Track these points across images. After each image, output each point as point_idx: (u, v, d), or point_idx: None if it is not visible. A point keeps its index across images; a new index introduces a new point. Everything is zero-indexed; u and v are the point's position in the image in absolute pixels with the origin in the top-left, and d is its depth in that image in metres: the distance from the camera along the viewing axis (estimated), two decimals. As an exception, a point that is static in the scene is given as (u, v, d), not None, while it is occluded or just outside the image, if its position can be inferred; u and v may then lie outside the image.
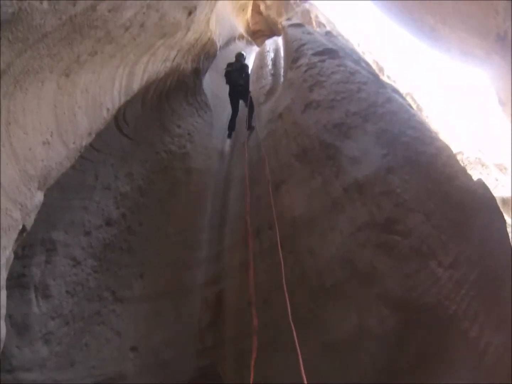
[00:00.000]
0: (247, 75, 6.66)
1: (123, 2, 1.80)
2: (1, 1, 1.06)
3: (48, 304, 2.88)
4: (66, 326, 2.91)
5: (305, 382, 1.67)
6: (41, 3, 1.28)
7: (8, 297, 2.59)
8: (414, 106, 12.32)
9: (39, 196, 2.20)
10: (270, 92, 6.92)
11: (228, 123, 6.60)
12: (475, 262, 2.60)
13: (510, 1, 4.59)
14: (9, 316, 2.63)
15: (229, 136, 6.52)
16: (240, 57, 6.91)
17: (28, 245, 2.94)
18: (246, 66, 6.76)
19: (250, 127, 6.01)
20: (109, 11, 1.77)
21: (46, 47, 1.67)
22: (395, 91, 5.78)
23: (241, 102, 6.79)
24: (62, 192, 3.29)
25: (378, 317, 2.46)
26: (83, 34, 1.82)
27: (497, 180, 11.12)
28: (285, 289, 2.71)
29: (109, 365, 2.93)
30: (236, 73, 6.46)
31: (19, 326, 2.66)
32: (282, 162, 4.40)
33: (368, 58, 13.74)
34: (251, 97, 6.60)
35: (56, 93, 2.17)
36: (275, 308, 3.00)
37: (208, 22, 4.87)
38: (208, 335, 3.31)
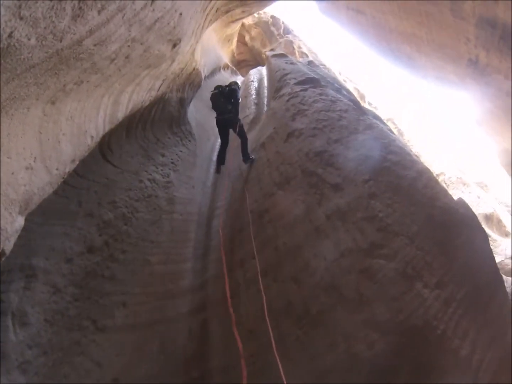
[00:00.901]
0: (237, 101, 5.99)
1: (108, 37, 1.88)
2: None
3: (26, 332, 2.75)
4: (44, 356, 2.78)
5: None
6: (29, 39, 1.35)
7: None
8: (395, 131, 12.83)
9: (20, 221, 2.19)
10: (254, 121, 7.14)
11: (217, 155, 6.11)
12: (461, 280, 2.67)
13: (480, 26, 4.96)
14: None
15: (217, 171, 5.96)
16: (232, 84, 6.31)
17: (7, 270, 2.85)
18: (235, 91, 6.02)
19: (248, 159, 5.54)
20: (95, 45, 1.85)
21: (33, 76, 1.73)
22: (376, 117, 6.06)
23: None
24: (44, 217, 3.25)
25: (366, 342, 2.47)
26: (70, 65, 1.89)
27: (479, 197, 11.54)
28: (268, 321, 2.71)
29: (88, 400, 2.80)
30: (223, 98, 5.81)
31: None
32: (265, 191, 4.49)
33: (350, 85, 14.39)
34: (241, 125, 5.96)
35: (42, 119, 2.21)
36: (261, 337, 2.99)
37: (193, 53, 5.07)
38: (193, 366, 3.21)
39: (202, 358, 3.25)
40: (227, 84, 6.32)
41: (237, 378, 2.98)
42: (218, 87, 6.04)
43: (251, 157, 5.55)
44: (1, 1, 1.03)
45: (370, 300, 2.63)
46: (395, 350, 2.35)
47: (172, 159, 5.62)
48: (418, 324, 2.39)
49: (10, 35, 1.24)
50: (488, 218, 10.44)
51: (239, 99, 6.09)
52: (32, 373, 2.66)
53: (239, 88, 6.26)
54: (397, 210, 3.13)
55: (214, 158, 7.03)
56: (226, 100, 5.81)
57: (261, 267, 3.56)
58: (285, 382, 2.01)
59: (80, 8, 1.45)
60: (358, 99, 9.92)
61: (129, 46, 2.25)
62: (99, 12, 1.57)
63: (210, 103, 6.13)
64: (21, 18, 1.22)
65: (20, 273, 2.94)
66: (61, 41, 1.53)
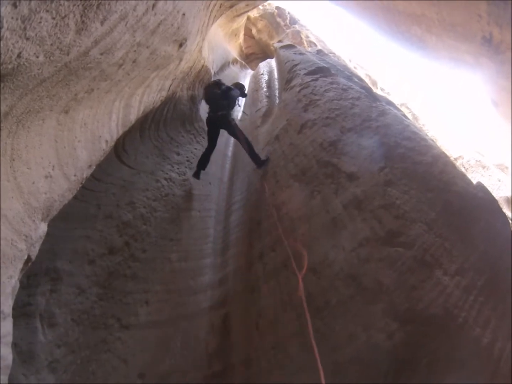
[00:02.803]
0: (233, 101, 5.30)
1: (113, 45, 1.92)
2: (1, 59, 1.17)
3: (54, 332, 2.89)
4: (72, 354, 2.91)
5: None
6: (37, 57, 1.40)
7: (13, 326, 2.64)
8: (409, 116, 12.52)
9: (43, 227, 2.28)
10: (267, 114, 7.08)
11: (199, 159, 5.27)
12: (482, 267, 2.58)
13: (492, 2, 4.75)
14: (15, 345, 2.64)
15: (197, 175, 5.15)
16: (238, 85, 5.73)
17: (33, 274, 2.99)
18: (232, 90, 5.35)
19: (260, 163, 5.08)
20: (101, 54, 1.89)
21: (45, 89, 1.79)
22: (389, 103, 5.91)
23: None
24: (65, 222, 3.37)
25: (386, 332, 2.44)
26: (79, 75, 1.94)
27: (499, 180, 11.10)
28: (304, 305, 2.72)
29: (116, 394, 2.91)
30: (219, 91, 5.17)
31: (24, 354, 2.67)
32: (282, 184, 4.47)
33: (361, 72, 14.08)
34: (236, 125, 5.40)
35: (56, 129, 2.29)
36: (283, 329, 3.01)
37: (200, 50, 5.08)
38: (216, 360, 3.28)
39: (224, 352, 3.31)
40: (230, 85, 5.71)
41: (259, 371, 3.03)
42: (215, 80, 5.50)
43: (263, 159, 5.10)
44: (5, 25, 1.06)
45: (389, 289, 2.60)
46: (415, 339, 2.32)
47: (187, 157, 5.69)
48: (438, 313, 2.34)
49: (19, 56, 1.29)
50: (510, 201, 10.08)
51: (235, 100, 5.42)
52: (61, 371, 2.79)
53: (244, 89, 5.79)
54: (414, 196, 3.06)
55: (229, 153, 6.97)
56: (222, 94, 5.16)
57: (280, 260, 3.58)
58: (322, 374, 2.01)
59: (83, 22, 1.48)
60: (370, 85, 9.72)
61: (135, 50, 2.28)
62: (102, 23, 1.60)
63: None
64: (27, 39, 1.26)
65: (45, 276, 3.08)
66: (68, 55, 1.57)
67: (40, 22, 1.26)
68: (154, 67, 3.06)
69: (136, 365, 3.11)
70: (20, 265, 2.05)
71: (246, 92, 5.90)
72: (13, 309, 2.71)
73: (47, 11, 1.26)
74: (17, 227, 2.01)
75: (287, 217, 3.95)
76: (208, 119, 5.18)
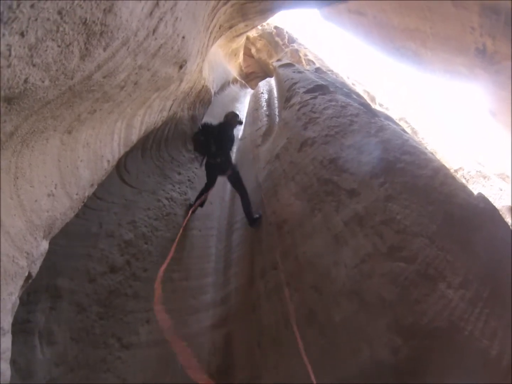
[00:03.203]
0: (228, 140, 4.79)
1: (116, 68, 2.00)
2: (8, 85, 1.24)
3: (53, 350, 2.87)
4: (71, 373, 2.88)
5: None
6: (43, 82, 1.47)
7: (12, 342, 2.63)
8: (408, 130, 12.64)
9: (44, 245, 2.32)
10: (267, 133, 7.16)
11: (197, 195, 4.97)
12: (486, 278, 2.58)
13: (484, 14, 4.91)
14: (13, 362, 2.61)
15: (190, 206, 4.93)
16: (229, 117, 5.06)
17: (33, 291, 3.00)
18: (227, 126, 4.85)
19: (253, 221, 4.73)
20: (104, 77, 1.96)
21: (49, 111, 1.86)
22: (388, 118, 6.00)
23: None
24: (67, 239, 3.41)
25: (390, 347, 2.41)
26: (82, 97, 2.02)
27: (501, 190, 11.06)
28: (295, 328, 2.71)
29: (114, 415, 2.87)
30: (210, 138, 4.60)
31: (23, 371, 2.65)
32: (283, 202, 4.50)
33: (359, 88, 14.33)
34: (237, 172, 4.92)
35: (60, 148, 2.35)
36: (285, 347, 2.98)
37: (200, 71, 5.21)
38: (218, 379, 3.23)
39: (226, 372, 3.27)
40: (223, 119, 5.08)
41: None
42: (203, 125, 4.81)
43: (256, 216, 4.75)
44: (13, 53, 1.13)
45: (392, 304, 2.58)
46: (420, 354, 2.29)
47: (188, 176, 5.76)
48: (443, 326, 2.32)
49: (25, 81, 1.35)
50: None
51: (233, 137, 4.92)
52: (60, 390, 2.75)
53: (238, 119, 5.12)
54: (414, 210, 3.08)
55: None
56: (214, 140, 4.62)
57: (282, 277, 3.57)
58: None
59: (87, 49, 1.56)
60: (369, 101, 9.87)
61: (136, 73, 2.37)
62: (104, 49, 1.68)
63: (222, 118, 5.40)
64: (34, 65, 1.33)
65: (46, 293, 3.09)
66: (72, 79, 1.64)
67: (46, 50, 1.33)
68: (155, 88, 3.15)
69: (136, 385, 3.08)
70: (20, 282, 2.07)
71: (240, 120, 5.27)
72: (12, 325, 2.70)
73: (53, 40, 1.33)
74: (18, 244, 2.04)
75: (289, 235, 3.97)
76: (207, 166, 4.79)
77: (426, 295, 2.52)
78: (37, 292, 3.05)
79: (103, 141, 2.90)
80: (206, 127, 4.76)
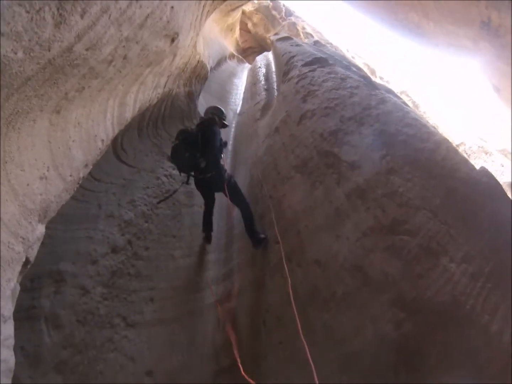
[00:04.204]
0: (214, 145, 3.78)
1: (99, 39, 1.82)
2: None
3: (59, 334, 2.86)
4: (79, 354, 2.88)
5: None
6: (16, 53, 1.31)
7: (18, 329, 2.60)
8: (410, 104, 12.31)
9: (40, 229, 2.22)
10: (265, 107, 6.96)
11: (202, 221, 4.37)
12: (488, 253, 2.47)
13: None
14: (21, 348, 2.62)
15: (207, 239, 4.36)
16: (210, 114, 4.19)
17: (36, 277, 2.96)
18: (210, 131, 3.87)
19: (258, 241, 3.86)
20: (87, 49, 1.79)
21: (32, 89, 1.70)
22: (389, 91, 5.78)
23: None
24: (66, 224, 3.33)
25: (394, 322, 2.35)
26: (66, 73, 1.85)
27: (502, 166, 10.89)
28: (294, 308, 2.66)
29: (125, 392, 2.87)
30: (190, 149, 3.69)
31: (31, 357, 2.64)
32: (283, 175, 4.38)
33: (359, 62, 13.88)
34: (234, 183, 4.10)
35: (49, 129, 2.21)
36: (289, 324, 2.93)
37: (195, 46, 4.95)
38: (223, 356, 3.23)
39: (231, 348, 3.26)
40: (203, 119, 4.17)
41: (267, 367, 2.98)
42: (181, 133, 3.86)
43: (261, 236, 3.89)
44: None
45: (395, 278, 2.51)
46: (423, 329, 2.23)
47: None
48: (446, 301, 2.24)
49: (-5, 53, 1.20)
50: None
51: (220, 142, 4.01)
52: (69, 372, 2.76)
53: (222, 115, 4.27)
54: (417, 184, 2.95)
55: (230, 147, 6.74)
56: (196, 150, 3.71)
57: (284, 253, 3.49)
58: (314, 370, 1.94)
59: (61, 15, 1.38)
60: (369, 74, 9.54)
61: (124, 46, 2.18)
62: (81, 16, 1.50)
63: (219, 94, 4.92)
64: (2, 35, 1.18)
65: (49, 279, 3.03)
66: (49, 50, 1.48)
67: (13, 17, 1.17)
68: (146, 63, 2.96)
69: (143, 363, 3.07)
70: (18, 268, 1.99)
71: (225, 119, 4.37)
72: (18, 312, 2.68)
73: (20, 5, 1.18)
74: (13, 229, 1.95)
75: (289, 210, 3.87)
76: (196, 183, 4.02)
77: (429, 270, 2.44)
78: (40, 278, 3.00)
79: (96, 120, 2.75)
80: (186, 136, 3.81)
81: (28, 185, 2.07)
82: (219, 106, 4.48)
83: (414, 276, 2.45)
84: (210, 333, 3.42)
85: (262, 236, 3.91)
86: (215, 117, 4.17)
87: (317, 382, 1.77)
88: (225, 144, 4.44)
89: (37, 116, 2.02)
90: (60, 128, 2.31)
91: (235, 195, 4.08)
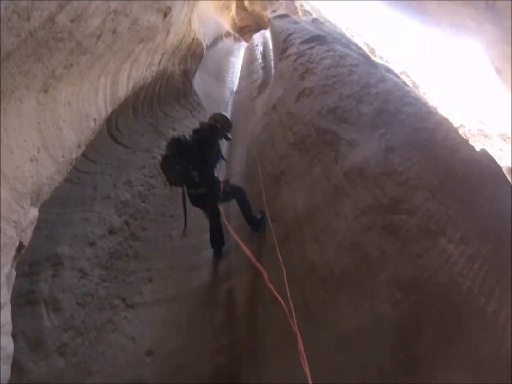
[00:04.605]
0: (211, 154, 3.40)
1: (84, 10, 1.68)
2: None
3: (60, 317, 2.83)
4: (80, 337, 2.87)
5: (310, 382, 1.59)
6: (-9, 23, 1.19)
7: (19, 314, 2.61)
8: (410, 84, 12.03)
9: (33, 212, 2.14)
10: (263, 85, 6.86)
11: (210, 235, 3.93)
12: (486, 236, 2.41)
13: None
14: (22, 333, 2.61)
15: (218, 254, 3.96)
16: (214, 121, 3.72)
17: (34, 262, 2.91)
18: (211, 142, 3.48)
19: (256, 225, 3.79)
20: (71, 21, 1.65)
21: (14, 65, 1.58)
22: (388, 70, 5.63)
23: None
24: (62, 207, 3.26)
25: (390, 302, 2.33)
26: (51, 48, 1.72)
27: (501, 150, 10.77)
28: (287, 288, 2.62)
29: (126, 372, 2.88)
30: (182, 161, 3.29)
31: (32, 342, 2.61)
32: (280, 153, 4.31)
33: (358, 40, 13.52)
34: (233, 188, 3.81)
35: (37, 109, 2.09)
36: (286, 303, 2.92)
37: (189, 23, 4.73)
38: (222, 334, 3.23)
39: (230, 326, 3.26)
40: (201, 127, 3.73)
41: (265, 344, 2.98)
42: (173, 143, 3.36)
43: (258, 218, 3.80)
44: None
45: (393, 257, 2.48)
46: (419, 309, 2.21)
47: (183, 131, 5.46)
48: (443, 282, 2.20)
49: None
50: (511, 171, 9.73)
51: (218, 154, 3.57)
52: (70, 354, 2.74)
53: (227, 125, 3.78)
54: (416, 163, 2.87)
55: None
56: (189, 162, 3.30)
57: (282, 231, 3.48)
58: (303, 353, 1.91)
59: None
60: (368, 53, 9.29)
61: (112, 19, 2.03)
62: (61, -17, 1.38)
63: (216, 72, 4.55)
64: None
65: (47, 263, 2.98)
66: (29, 20, 1.35)
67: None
68: (138, 39, 2.80)
69: (144, 343, 3.08)
70: (12, 253, 1.92)
71: (229, 130, 3.88)
72: (17, 297, 2.68)
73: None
74: (4, 214, 1.87)
75: (288, 187, 3.82)
76: (190, 198, 3.57)
77: (427, 250, 2.39)
78: (38, 262, 2.95)
79: (87, 99, 2.62)
80: (179, 145, 3.32)
81: (18, 168, 1.97)
82: (226, 114, 3.97)
83: (412, 255, 2.41)
84: (209, 312, 3.42)
85: (259, 216, 3.83)
86: (218, 126, 3.67)
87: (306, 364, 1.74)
88: (224, 159, 3.90)
89: (24, 96, 1.90)
90: (49, 108, 2.19)
91: (232, 194, 3.75)
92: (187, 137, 3.41)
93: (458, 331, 2.03)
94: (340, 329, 2.50)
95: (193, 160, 3.31)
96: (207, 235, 4.13)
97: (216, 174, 3.49)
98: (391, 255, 2.50)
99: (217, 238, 3.90)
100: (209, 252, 4.06)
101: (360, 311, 2.46)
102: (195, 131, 3.60)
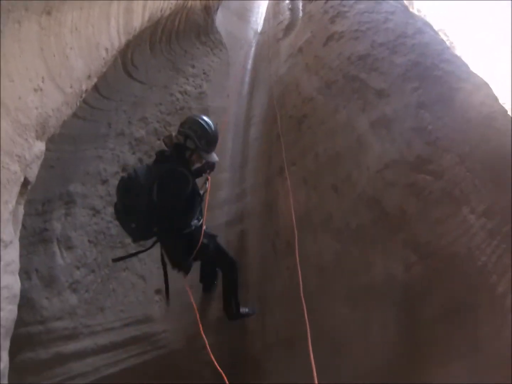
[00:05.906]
0: (171, 210, 2.11)
1: None
2: None
3: (72, 254, 2.81)
4: (92, 274, 2.87)
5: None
6: None
7: (33, 252, 2.59)
8: (447, 43, 10.74)
9: (39, 146, 1.93)
10: (289, 27, 6.27)
11: (200, 274, 3.06)
12: (509, 213, 2.18)
13: None
14: (36, 270, 2.61)
15: (207, 289, 3.11)
16: (175, 139, 2.23)
17: (47, 200, 2.83)
18: (175, 176, 2.08)
19: (233, 315, 2.72)
20: None
21: (10, -20, 1.28)
22: (426, 24, 4.96)
23: None
24: (75, 144, 3.09)
25: (404, 264, 2.20)
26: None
27: None
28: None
29: (136, 308, 2.92)
30: (139, 193, 2.04)
31: (45, 279, 2.62)
32: (304, 96, 4.01)
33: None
34: (216, 247, 2.60)
35: (40, 34, 1.78)
36: (299, 251, 2.81)
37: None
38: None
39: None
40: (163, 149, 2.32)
41: (273, 291, 2.93)
42: (120, 186, 2.16)
43: (244, 311, 2.78)
44: None
45: (413, 218, 2.29)
46: (432, 275, 2.08)
47: (203, 69, 5.08)
48: (460, 252, 2.03)
49: None
50: None
51: (187, 196, 2.16)
52: (83, 291, 2.76)
53: (205, 138, 2.21)
54: (448, 124, 2.54)
55: (249, 66, 6.15)
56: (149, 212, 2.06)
57: (300, 175, 3.34)
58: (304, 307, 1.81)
59: None
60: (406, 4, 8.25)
61: None
62: None
63: (239, 11, 3.74)
64: None
65: (59, 201, 2.89)
66: None
67: None
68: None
69: (153, 282, 3.07)
70: (16, 189, 1.74)
71: (211, 151, 2.34)
72: (31, 236, 2.66)
73: None
74: (6, 148, 1.64)
75: (310, 131, 3.58)
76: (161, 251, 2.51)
77: (448, 216, 2.18)
78: (50, 201, 2.86)
79: (97, 27, 2.27)
80: (126, 192, 2.13)
81: (20, 98, 1.71)
82: (205, 118, 2.30)
83: (432, 220, 2.23)
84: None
85: (246, 311, 2.79)
86: (189, 144, 2.20)
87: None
88: (200, 196, 2.36)
89: (23, 17, 1.58)
90: (53, 33, 1.88)
91: (214, 259, 2.72)
92: (141, 171, 2.13)
93: (464, 304, 1.91)
94: (351, 283, 2.42)
95: (153, 208, 2.04)
96: (224, 175, 3.96)
97: (195, 223, 2.36)
98: (410, 215, 2.32)
99: (208, 273, 3.10)
100: (223, 193, 3.92)
101: (372, 269, 2.34)
102: (157, 157, 2.26)
